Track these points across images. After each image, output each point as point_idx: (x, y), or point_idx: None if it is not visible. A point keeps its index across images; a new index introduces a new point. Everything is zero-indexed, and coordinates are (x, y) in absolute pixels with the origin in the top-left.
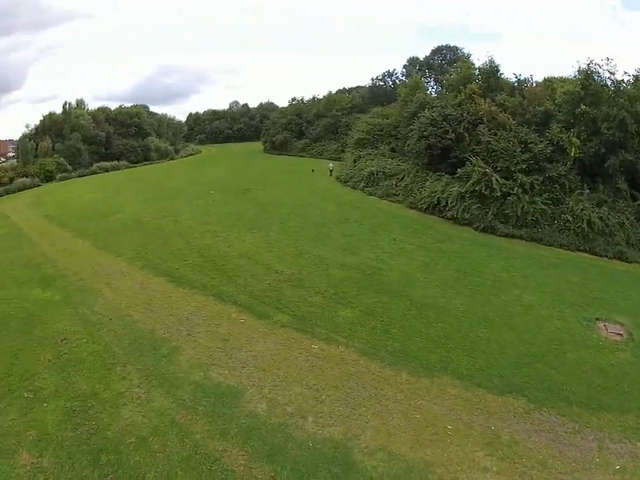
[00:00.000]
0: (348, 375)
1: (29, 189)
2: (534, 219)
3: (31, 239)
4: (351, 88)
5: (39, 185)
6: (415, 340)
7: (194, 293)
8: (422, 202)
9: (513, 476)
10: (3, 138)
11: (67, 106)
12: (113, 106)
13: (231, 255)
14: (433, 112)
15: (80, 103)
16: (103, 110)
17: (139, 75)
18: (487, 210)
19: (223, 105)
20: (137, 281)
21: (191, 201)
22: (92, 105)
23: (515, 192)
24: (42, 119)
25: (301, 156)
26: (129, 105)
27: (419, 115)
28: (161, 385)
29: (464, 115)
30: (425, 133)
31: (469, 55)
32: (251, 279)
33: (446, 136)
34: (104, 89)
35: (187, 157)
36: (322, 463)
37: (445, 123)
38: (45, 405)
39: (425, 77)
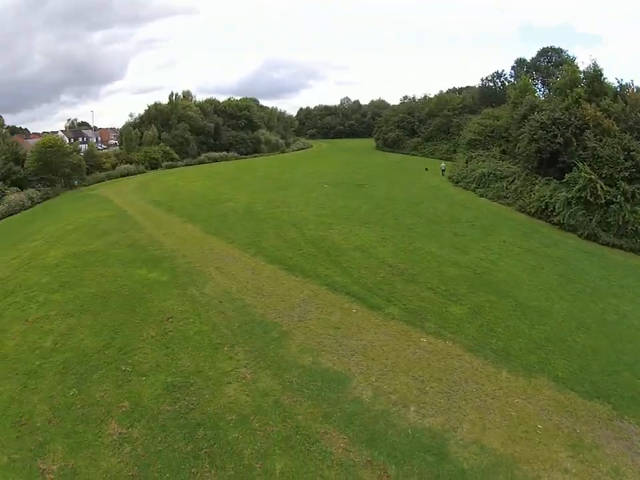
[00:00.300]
0: (452, 369)
1: (132, 175)
2: (634, 229)
3: (136, 222)
4: (461, 88)
5: (144, 172)
6: (518, 340)
7: (307, 282)
8: (530, 206)
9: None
10: (105, 126)
11: (174, 97)
12: (220, 98)
13: (345, 248)
14: (542, 115)
15: (187, 95)
16: (210, 102)
17: (245, 70)
18: (591, 217)
19: (333, 101)
20: (249, 266)
21: (305, 193)
22: (197, 97)
23: (617, 200)
24: (147, 108)
25: (413, 154)
26: (238, 97)
27: (529, 117)
28: (269, 367)
29: (571, 119)
30: (535, 136)
31: (574, 58)
32: (364, 271)
33: (555, 140)
34: (209, 81)
35: (297, 150)
36: (418, 451)
37: (553, 126)
38: (144, 378)
39: (533, 79)
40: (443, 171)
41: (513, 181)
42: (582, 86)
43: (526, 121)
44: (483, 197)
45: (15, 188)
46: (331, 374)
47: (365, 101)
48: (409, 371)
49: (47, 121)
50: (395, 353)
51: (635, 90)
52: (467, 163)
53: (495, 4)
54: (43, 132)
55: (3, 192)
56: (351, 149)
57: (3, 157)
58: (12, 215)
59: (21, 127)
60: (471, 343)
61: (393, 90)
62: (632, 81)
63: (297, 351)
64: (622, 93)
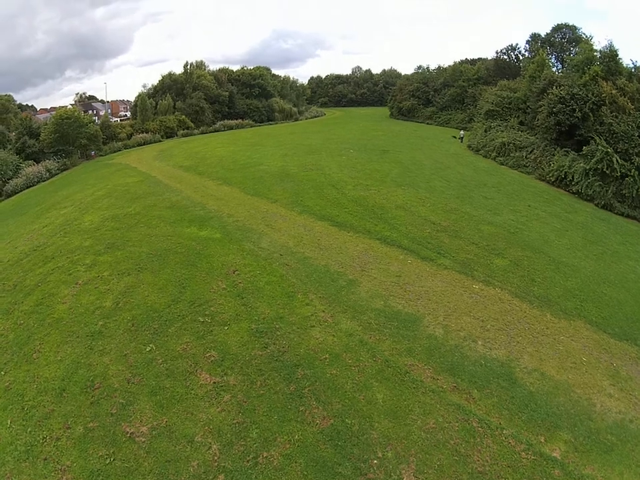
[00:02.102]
0: (505, 311)
1: (149, 144)
2: None
3: (168, 186)
4: (474, 59)
5: (160, 141)
6: (555, 289)
7: (359, 237)
8: (550, 175)
9: (628, 404)
10: (112, 99)
11: (189, 66)
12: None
13: (388, 207)
14: (561, 90)
15: (200, 64)
16: (224, 71)
17: (253, 40)
18: (607, 188)
19: (340, 70)
20: (299, 223)
21: (334, 157)
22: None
23: (631, 174)
24: (161, 78)
25: (428, 123)
26: (251, 67)
27: (548, 91)
28: (345, 311)
29: (589, 95)
30: (554, 109)
31: (590, 37)
32: (410, 227)
33: (573, 114)
34: (216, 52)
35: (311, 118)
36: (492, 377)
37: (572, 101)
38: (226, 327)
39: (547, 54)
40: (461, 138)
41: (532, 150)
42: (598, 64)
43: (545, 94)
44: (503, 165)
45: (30, 161)
46: (403, 315)
47: (376, 70)
48: (470, 312)
49: (52, 97)
50: (454, 297)
51: None
52: (485, 132)
53: None
54: (51, 107)
55: (18, 165)
56: (365, 117)
57: (17, 131)
58: (30, 187)
59: (27, 104)
60: (516, 290)
61: (403, 61)
62: None
63: (367, 296)
64: (636, 74)
